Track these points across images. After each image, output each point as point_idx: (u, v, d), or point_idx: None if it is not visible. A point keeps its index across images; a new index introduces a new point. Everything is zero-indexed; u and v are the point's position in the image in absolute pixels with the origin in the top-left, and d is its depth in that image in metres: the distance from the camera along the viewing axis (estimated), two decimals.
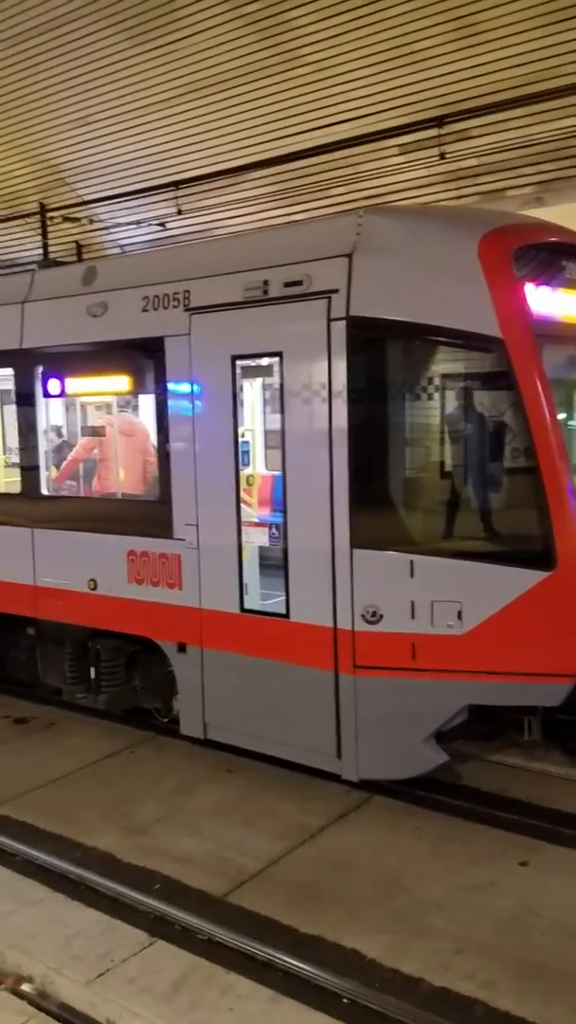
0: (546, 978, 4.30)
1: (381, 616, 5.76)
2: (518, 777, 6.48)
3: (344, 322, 5.75)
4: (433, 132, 9.23)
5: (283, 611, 6.27)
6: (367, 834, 5.75)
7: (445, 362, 6.01)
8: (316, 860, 5.46)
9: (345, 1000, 4.19)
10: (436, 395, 5.96)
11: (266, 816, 6.00)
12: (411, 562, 5.64)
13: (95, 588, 7.35)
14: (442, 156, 9.34)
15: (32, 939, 4.73)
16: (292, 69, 9.35)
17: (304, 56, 9.18)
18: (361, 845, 5.62)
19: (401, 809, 6.06)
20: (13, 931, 4.81)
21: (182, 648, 6.86)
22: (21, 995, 4.34)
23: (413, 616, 5.64)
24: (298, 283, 5.98)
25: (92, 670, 7.67)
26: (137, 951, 4.61)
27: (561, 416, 5.72)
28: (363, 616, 5.82)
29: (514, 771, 6.58)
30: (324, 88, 9.36)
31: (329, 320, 5.81)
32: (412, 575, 5.64)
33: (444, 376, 5.95)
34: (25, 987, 4.38)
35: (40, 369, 7.75)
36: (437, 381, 5.96)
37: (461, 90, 8.95)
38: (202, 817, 6.03)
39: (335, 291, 5.79)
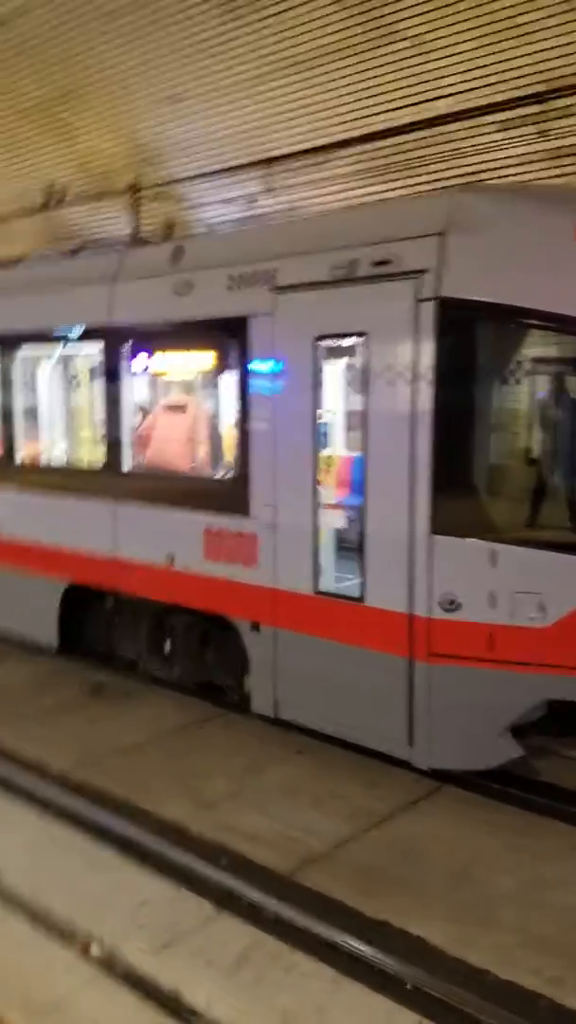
0: None
1: (459, 605, 5.66)
2: None
3: (433, 303, 5.63)
4: (535, 109, 8.93)
5: (358, 595, 6.23)
6: (436, 824, 5.69)
7: (537, 346, 5.83)
8: (384, 845, 5.43)
9: (408, 986, 4.15)
10: (526, 380, 5.79)
11: (334, 798, 5.99)
12: (493, 551, 5.52)
13: (172, 564, 7.44)
14: (543, 133, 9.04)
15: (102, 904, 4.83)
16: (388, 44, 9.15)
17: (402, 31, 8.97)
18: (430, 834, 5.56)
19: (472, 801, 5.97)
20: (84, 895, 4.92)
21: (255, 627, 6.88)
22: (89, 958, 4.43)
23: (493, 606, 5.52)
24: (387, 262, 5.88)
25: (167, 644, 7.78)
26: (203, 923, 4.66)
27: None
28: (440, 604, 5.73)
29: None
30: (421, 63, 9.13)
31: (418, 300, 5.70)
32: (494, 564, 5.52)
33: (535, 360, 5.77)
34: (93, 950, 4.48)
35: (125, 347, 7.84)
36: (527, 365, 5.79)
37: (565, 65, 8.62)
38: (270, 795, 6.06)
39: (425, 271, 5.67)
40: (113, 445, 8.05)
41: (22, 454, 9.15)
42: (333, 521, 6.74)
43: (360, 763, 6.37)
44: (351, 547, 6.47)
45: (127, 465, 8.00)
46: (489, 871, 5.13)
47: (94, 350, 8.27)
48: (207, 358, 7.56)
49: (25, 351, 9.08)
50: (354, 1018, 3.97)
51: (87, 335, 8.24)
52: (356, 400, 6.79)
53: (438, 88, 9.34)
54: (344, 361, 8.13)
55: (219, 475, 7.72)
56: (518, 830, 5.60)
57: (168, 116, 11.68)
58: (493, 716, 5.69)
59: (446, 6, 8.66)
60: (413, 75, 9.35)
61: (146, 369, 7.93)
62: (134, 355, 7.83)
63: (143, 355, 7.81)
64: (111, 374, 8.00)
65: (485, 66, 8.91)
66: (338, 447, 8.79)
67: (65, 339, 8.60)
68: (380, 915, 4.68)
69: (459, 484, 5.82)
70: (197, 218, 13.30)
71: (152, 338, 7.74)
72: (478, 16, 8.61)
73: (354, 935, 4.49)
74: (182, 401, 8.22)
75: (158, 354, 7.83)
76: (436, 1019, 3.93)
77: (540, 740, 6.24)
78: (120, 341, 7.86)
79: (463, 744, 5.88)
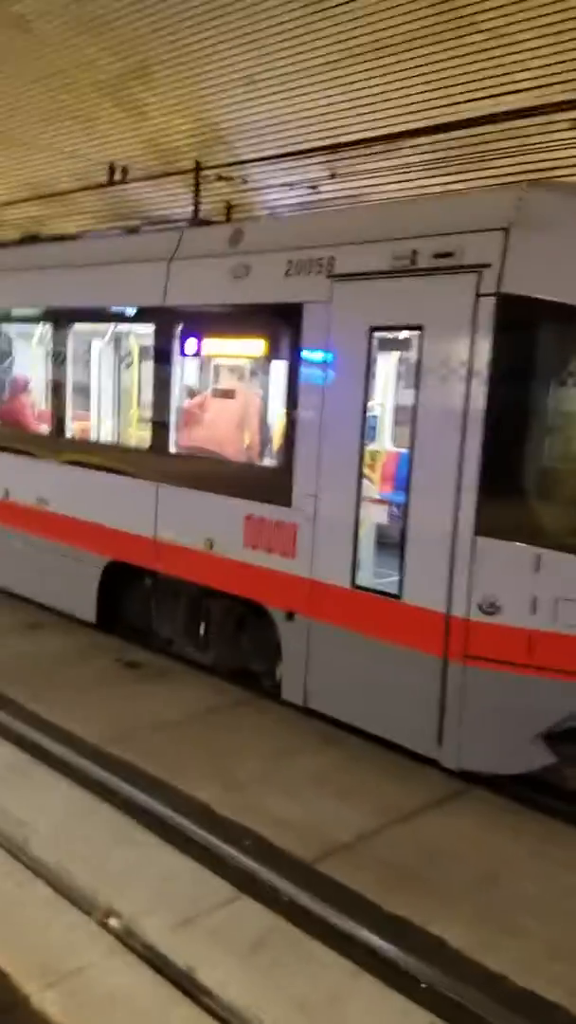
0: None
1: (499, 608, 5.60)
2: None
3: (494, 298, 5.54)
4: None
5: (396, 591, 6.19)
6: (462, 825, 5.66)
7: None
8: (408, 842, 5.41)
9: (423, 985, 4.14)
10: None
11: (361, 791, 5.98)
12: (538, 556, 5.44)
13: (211, 548, 7.46)
14: None
15: (125, 877, 4.89)
16: (465, 36, 9.01)
17: (479, 23, 8.83)
18: (456, 835, 5.53)
19: (500, 805, 5.92)
20: (108, 867, 4.98)
21: (290, 616, 6.89)
22: (108, 929, 4.49)
23: (534, 612, 5.45)
24: (449, 255, 5.79)
25: (202, 627, 7.82)
26: (223, 904, 4.69)
27: None
28: (479, 606, 5.67)
29: None
30: (496, 56, 8.98)
31: (478, 296, 5.61)
32: (537, 569, 5.44)
33: None
34: (113, 922, 4.54)
35: (179, 328, 7.83)
36: None
37: None
38: (298, 783, 6.07)
39: (487, 265, 5.58)
40: (159, 426, 8.08)
41: (71, 430, 9.23)
42: (375, 516, 6.71)
43: (388, 758, 6.35)
44: (392, 543, 6.43)
45: (172, 447, 8.03)
46: (513, 877, 5.09)
47: (147, 329, 8.30)
48: (260, 344, 7.54)
49: (80, 327, 9.15)
50: (367, 1012, 3.97)
51: (141, 313, 8.27)
52: (407, 395, 6.73)
53: (512, 83, 9.19)
54: (398, 354, 8.08)
55: (263, 463, 7.72)
56: (544, 837, 5.55)
57: (238, 97, 11.65)
58: (527, 721, 5.62)
59: (524, 0, 8.50)
60: (487, 68, 9.21)
61: (198, 352, 7.93)
62: (187, 336, 7.83)
63: (196, 337, 7.81)
64: (162, 354, 8.02)
65: (560, 63, 8.74)
66: (385, 442, 8.74)
67: (119, 316, 8.65)
68: (400, 911, 4.67)
69: (507, 486, 5.75)
70: (258, 201, 13.27)
71: (206, 320, 7.74)
72: (555, 12, 8.45)
73: (373, 929, 4.48)
74: (232, 386, 8.23)
75: (211, 337, 7.83)
76: (449, 1021, 3.90)
77: (572, 748, 6.16)
78: (174, 321, 7.86)
79: (494, 747, 5.83)
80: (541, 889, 4.97)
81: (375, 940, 4.41)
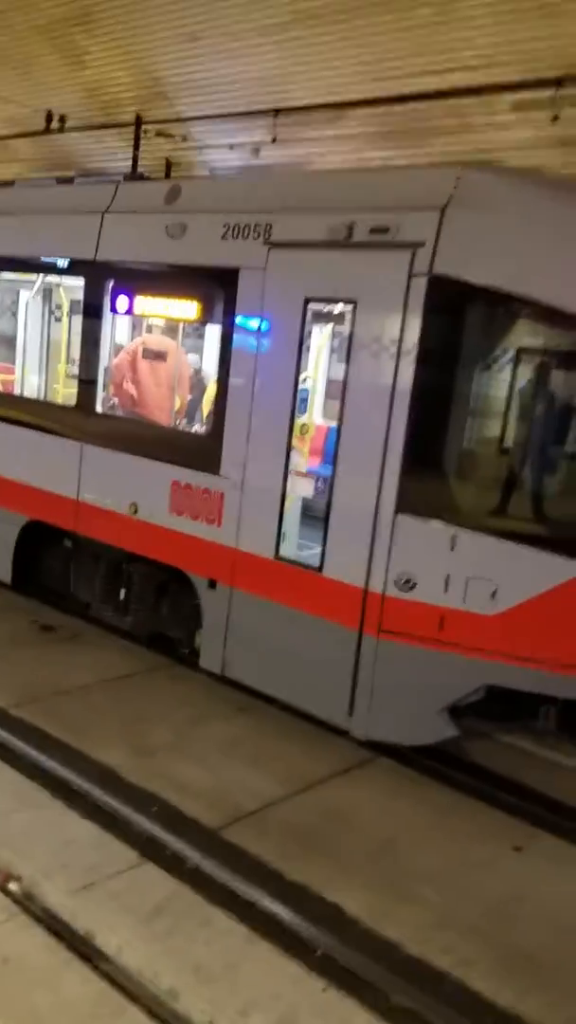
0: (525, 968, 4.30)
1: (414, 584, 5.69)
2: (526, 762, 6.44)
3: (426, 278, 5.55)
4: (550, 92, 8.78)
5: (317, 564, 6.23)
6: (368, 793, 5.78)
7: (525, 335, 5.77)
8: (314, 810, 5.50)
9: (318, 953, 4.23)
10: (509, 368, 5.76)
11: (271, 759, 6.05)
12: (454, 535, 5.54)
13: (136, 512, 7.36)
14: (555, 119, 8.90)
15: (27, 840, 4.85)
16: (414, 8, 8.90)
17: None
18: (361, 803, 5.64)
19: (405, 775, 6.07)
20: (10, 830, 4.94)
21: (212, 584, 6.87)
22: (7, 892, 4.45)
23: (447, 589, 5.55)
24: (385, 230, 5.77)
25: (123, 592, 7.74)
26: (125, 869, 4.70)
27: None
28: (396, 582, 5.75)
29: (523, 756, 6.54)
30: (443, 32, 8.90)
31: (411, 274, 5.61)
32: (453, 548, 5.53)
33: (521, 349, 5.73)
34: (12, 886, 4.50)
35: (111, 284, 7.64)
36: (513, 354, 5.75)
37: None
38: (209, 750, 6.10)
39: (421, 244, 5.58)
40: (87, 384, 7.91)
41: None
42: (302, 489, 6.71)
43: (300, 727, 6.43)
44: (316, 516, 6.45)
45: (99, 407, 7.87)
46: (414, 847, 5.22)
47: (77, 282, 8.07)
48: (193, 306, 7.39)
49: (7, 276, 8.85)
50: (262, 978, 4.04)
51: (72, 266, 8.03)
52: (339, 369, 6.72)
53: (457, 60, 9.13)
54: (332, 327, 8.04)
55: (193, 429, 7.61)
56: (446, 809, 5.70)
57: (182, 53, 11.31)
58: (434, 695, 5.75)
59: None
60: (433, 43, 9.12)
61: (130, 310, 7.75)
62: (118, 293, 7.62)
63: (127, 295, 7.61)
64: (92, 310, 7.81)
65: (506, 43, 8.72)
66: (316, 415, 8.73)
67: (50, 268, 8.38)
68: (301, 878, 4.76)
69: (429, 465, 5.81)
70: (199, 160, 12.99)
71: (139, 278, 7.55)
72: None
73: (272, 896, 4.56)
74: (163, 348, 8.08)
75: (143, 296, 7.64)
76: (342, 988, 4.00)
77: (476, 723, 6.34)
78: (105, 276, 7.64)
79: (401, 719, 5.95)
80: (439, 859, 5.12)
81: (274, 907, 4.48)
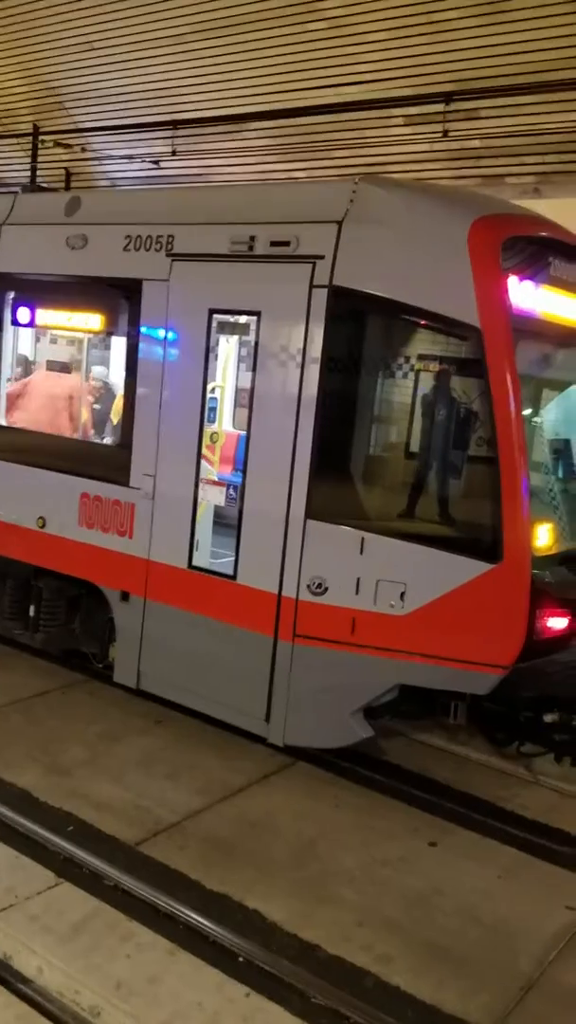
0: (443, 959, 4.41)
1: (326, 588, 5.78)
2: (440, 759, 6.60)
3: (326, 290, 5.67)
4: (440, 107, 9.08)
5: (231, 572, 6.25)
6: (287, 798, 5.83)
7: (421, 343, 5.97)
8: (233, 818, 5.52)
9: (241, 959, 4.25)
10: (409, 375, 5.93)
11: (190, 770, 6.04)
12: (362, 539, 5.65)
13: (44, 526, 7.25)
14: (446, 133, 9.21)
15: None
16: (309, 22, 9.08)
17: (323, 10, 8.92)
18: (279, 808, 5.69)
19: (323, 778, 6.14)
20: None
21: (125, 597, 6.82)
22: None
23: (357, 592, 5.65)
24: (285, 244, 5.87)
25: (32, 608, 7.59)
26: (43, 890, 4.63)
27: (527, 412, 5.73)
28: (308, 586, 5.83)
29: (437, 752, 6.70)
30: (338, 46, 9.11)
31: (312, 286, 5.73)
32: (362, 552, 5.64)
33: (419, 357, 5.91)
34: None
35: (10, 295, 7.54)
36: (411, 361, 5.93)
37: (473, 68, 8.78)
38: (126, 765, 6.05)
39: (320, 257, 5.70)
40: None
41: None
42: (213, 497, 6.73)
43: (219, 737, 6.44)
44: (228, 524, 6.48)
45: (2, 420, 7.72)
46: (333, 848, 5.29)
47: None
48: (97, 318, 7.36)
49: None
50: (184, 989, 4.04)
51: None
52: (247, 378, 6.78)
53: (350, 74, 9.35)
54: (238, 338, 8.10)
55: (101, 441, 7.53)
56: (364, 809, 5.80)
57: (79, 63, 11.25)
58: (349, 697, 5.84)
59: None
60: (328, 56, 9.33)
61: (31, 322, 7.65)
62: (19, 305, 7.54)
63: (28, 307, 7.53)
64: None
65: (398, 58, 8.98)
66: (225, 423, 8.76)
67: None
68: (221, 888, 4.77)
69: (336, 471, 5.91)
70: (99, 171, 12.90)
71: (40, 289, 7.47)
72: (397, 7, 8.66)
73: (192, 907, 4.55)
74: (67, 360, 7.99)
75: (45, 308, 7.56)
76: (264, 992, 4.04)
77: (389, 722, 6.47)
78: (5, 288, 7.55)
79: (318, 723, 6.02)
80: (357, 859, 5.20)
81: (195, 917, 4.48)
